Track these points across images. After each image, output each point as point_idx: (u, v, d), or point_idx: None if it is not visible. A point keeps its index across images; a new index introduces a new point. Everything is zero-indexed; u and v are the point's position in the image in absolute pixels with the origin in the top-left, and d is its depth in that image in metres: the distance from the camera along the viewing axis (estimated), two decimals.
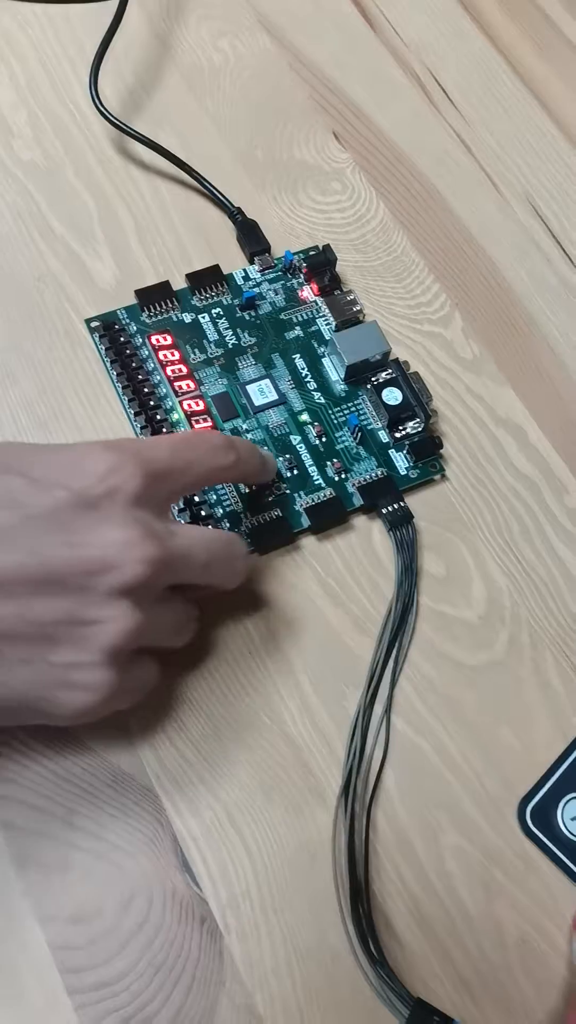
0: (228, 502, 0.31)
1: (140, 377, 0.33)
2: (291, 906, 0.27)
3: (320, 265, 0.35)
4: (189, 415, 0.32)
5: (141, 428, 0.32)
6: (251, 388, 0.33)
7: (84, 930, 0.26)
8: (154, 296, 0.34)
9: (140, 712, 0.29)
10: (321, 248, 0.36)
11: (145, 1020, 0.26)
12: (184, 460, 0.26)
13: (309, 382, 0.34)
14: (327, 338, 0.34)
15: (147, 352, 0.34)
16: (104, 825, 0.27)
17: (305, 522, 0.32)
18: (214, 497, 0.31)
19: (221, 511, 0.31)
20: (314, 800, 0.28)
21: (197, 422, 0.32)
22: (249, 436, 0.33)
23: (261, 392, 0.33)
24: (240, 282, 0.35)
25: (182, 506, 0.31)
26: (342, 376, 0.34)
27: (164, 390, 0.33)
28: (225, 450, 0.27)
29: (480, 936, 0.27)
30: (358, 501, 0.32)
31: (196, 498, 0.31)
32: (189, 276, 0.35)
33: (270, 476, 0.31)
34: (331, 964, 0.26)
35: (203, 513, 0.31)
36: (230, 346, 0.34)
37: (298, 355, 0.34)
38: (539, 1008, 0.27)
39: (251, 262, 0.36)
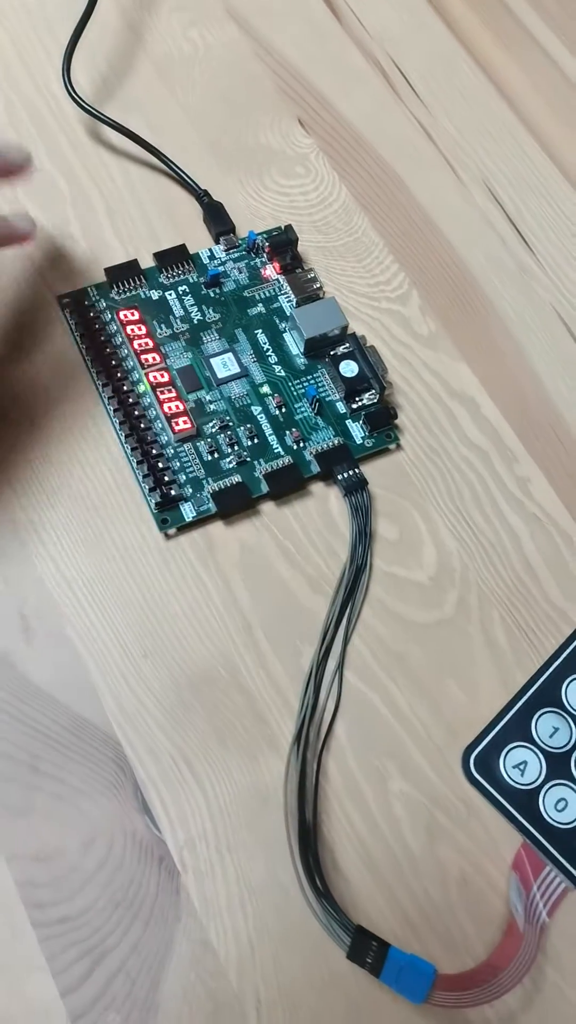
0: (191, 469, 0.33)
1: (108, 351, 0.34)
2: (244, 846, 0.29)
3: (282, 244, 0.37)
4: (155, 386, 0.34)
5: (108, 399, 0.34)
6: (215, 361, 0.35)
7: (48, 868, 0.28)
8: (123, 274, 0.36)
9: (102, 663, 0.30)
10: (283, 228, 0.37)
11: (105, 952, 0.27)
12: None
13: (270, 356, 0.35)
14: (288, 314, 0.36)
15: (116, 327, 0.35)
16: (67, 770, 0.29)
17: (264, 488, 0.33)
18: (177, 464, 0.33)
19: (184, 477, 0.33)
20: (268, 748, 0.30)
21: (162, 393, 0.34)
22: (212, 407, 0.34)
23: (224, 365, 0.35)
24: (206, 261, 0.37)
25: (146, 471, 0.32)
26: (302, 350, 0.35)
27: (131, 363, 0.34)
28: None
29: (424, 876, 0.29)
30: (315, 468, 0.34)
31: (160, 464, 0.33)
32: (157, 255, 0.36)
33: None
34: (281, 900, 0.28)
35: (166, 479, 0.32)
36: (195, 322, 0.36)
37: (260, 330, 0.36)
38: (478, 942, 0.28)
39: (216, 242, 0.37)
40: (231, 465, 0.33)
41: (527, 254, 0.39)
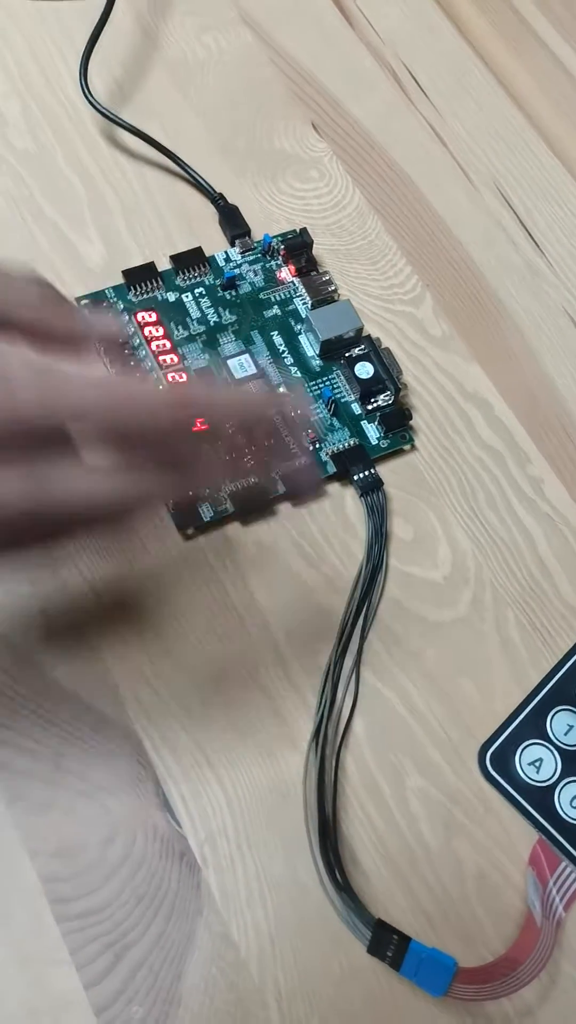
0: None
1: (126, 352, 0.35)
2: (264, 842, 0.29)
3: (297, 247, 0.37)
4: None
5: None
6: (231, 363, 0.35)
7: (70, 863, 0.28)
8: (140, 276, 0.36)
9: (124, 661, 0.31)
10: (298, 231, 0.38)
11: (128, 946, 0.27)
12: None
13: (286, 357, 0.36)
14: (303, 316, 0.36)
15: (133, 329, 0.35)
16: (89, 766, 0.29)
17: (281, 488, 0.33)
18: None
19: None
20: (286, 745, 0.30)
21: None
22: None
23: (241, 366, 0.35)
24: (221, 263, 0.37)
25: None
26: (317, 352, 0.36)
27: (149, 364, 0.35)
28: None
29: (441, 871, 0.29)
30: (331, 469, 0.34)
31: None
32: (173, 258, 0.37)
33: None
34: (300, 894, 0.28)
35: None
36: (212, 323, 0.36)
37: (276, 332, 0.36)
38: (495, 936, 0.29)
39: (232, 245, 0.38)
40: (248, 465, 0.34)
41: (538, 256, 0.40)
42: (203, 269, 0.37)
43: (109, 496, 0.23)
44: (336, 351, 0.36)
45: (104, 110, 0.39)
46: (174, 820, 0.29)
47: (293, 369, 0.35)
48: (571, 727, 0.31)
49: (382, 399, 0.35)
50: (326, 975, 0.28)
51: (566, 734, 0.31)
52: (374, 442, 0.35)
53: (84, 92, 0.39)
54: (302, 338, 0.36)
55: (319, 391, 0.35)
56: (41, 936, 0.27)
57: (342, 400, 0.35)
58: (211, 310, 0.36)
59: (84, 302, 0.36)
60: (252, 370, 0.35)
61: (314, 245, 0.38)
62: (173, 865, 0.29)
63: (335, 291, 0.37)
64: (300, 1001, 0.27)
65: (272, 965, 0.28)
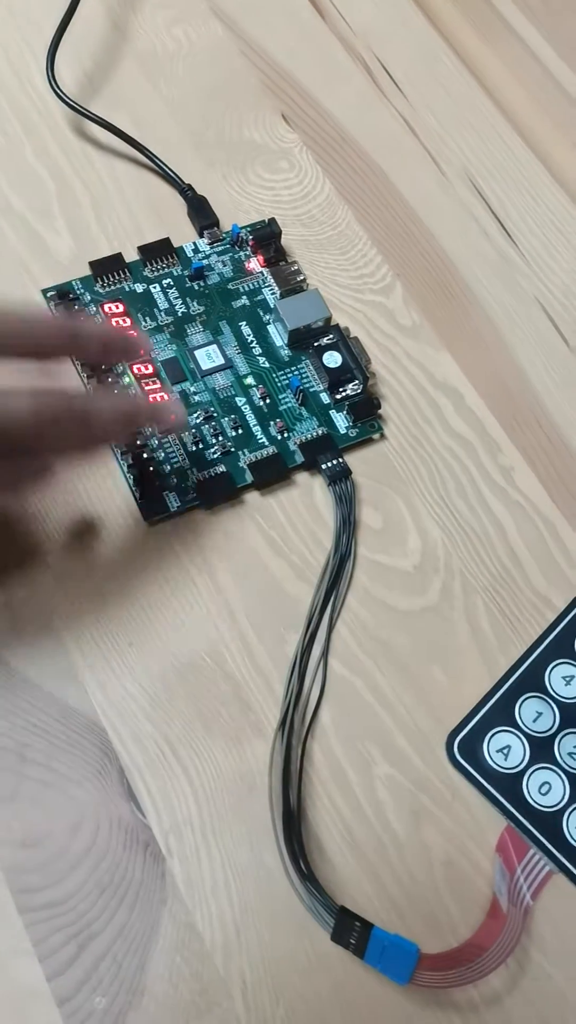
0: (176, 459, 0.33)
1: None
2: (229, 831, 0.29)
3: (266, 238, 0.37)
4: (139, 378, 0.34)
5: (93, 390, 0.34)
6: (199, 353, 0.35)
7: (34, 854, 0.28)
8: (107, 267, 0.36)
9: (88, 651, 0.30)
10: (267, 221, 0.37)
11: (91, 936, 0.27)
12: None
13: (254, 347, 0.36)
14: (272, 306, 0.36)
15: (100, 320, 0.35)
16: (54, 757, 0.29)
17: (248, 478, 0.33)
18: (162, 455, 0.33)
19: (169, 467, 0.33)
20: (253, 734, 0.30)
21: (147, 384, 0.34)
22: (196, 398, 0.34)
23: (208, 357, 0.35)
24: (190, 254, 0.37)
25: (131, 462, 0.33)
26: (285, 341, 0.36)
27: None
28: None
29: (408, 858, 0.29)
30: (299, 458, 0.34)
31: (144, 455, 0.33)
32: (141, 248, 0.37)
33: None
34: (265, 883, 0.28)
35: (151, 469, 0.33)
36: (179, 314, 0.36)
37: (244, 322, 0.36)
38: (463, 924, 0.28)
39: (201, 235, 0.38)
40: (216, 455, 0.34)
41: (509, 245, 0.40)
42: (171, 260, 0.37)
43: None
44: (304, 341, 0.35)
45: (72, 102, 0.38)
46: (139, 810, 0.29)
47: (261, 359, 0.35)
48: (540, 714, 0.31)
49: (351, 388, 0.35)
50: (292, 964, 0.27)
51: (535, 721, 0.31)
52: (343, 431, 0.35)
53: (52, 84, 0.38)
54: (271, 328, 0.36)
55: (287, 380, 0.35)
56: (4, 927, 0.27)
57: (311, 390, 0.35)
58: (179, 301, 0.36)
59: (51, 294, 0.35)
60: (220, 360, 0.35)
61: (284, 236, 0.38)
62: (137, 855, 0.28)
63: (304, 281, 0.37)
64: (265, 990, 0.27)
65: (237, 955, 0.27)
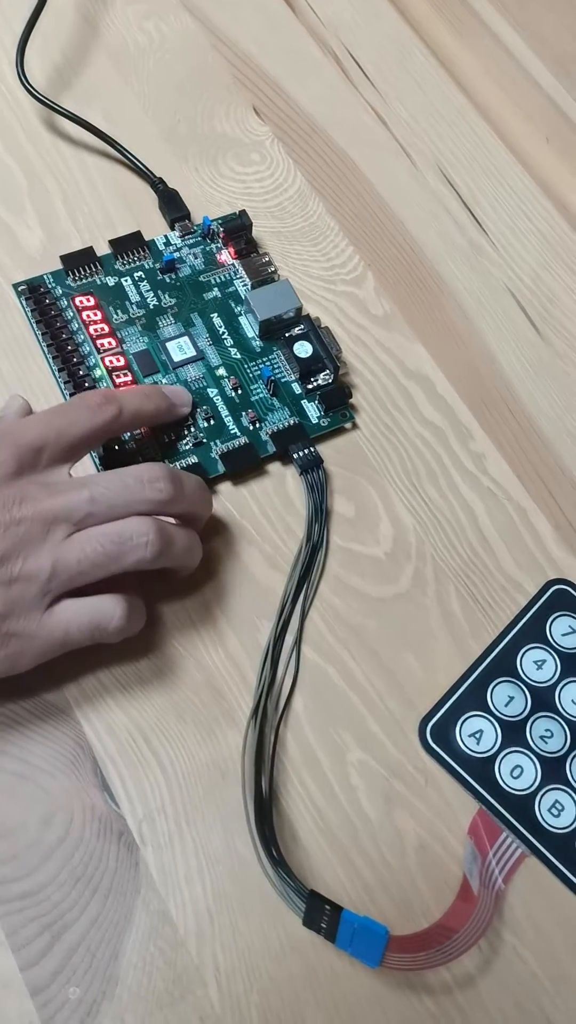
0: (148, 451, 0.33)
1: (64, 336, 0.35)
2: (203, 819, 0.29)
3: (237, 230, 0.37)
4: (111, 371, 0.34)
5: (65, 383, 0.34)
6: (171, 345, 0.35)
7: (7, 845, 0.28)
8: (78, 261, 0.36)
9: None
10: (237, 213, 0.38)
11: (65, 926, 0.27)
12: (55, 428, 0.29)
13: (226, 339, 0.36)
14: (243, 297, 0.36)
15: (72, 314, 0.35)
16: (27, 749, 0.29)
17: (221, 468, 0.33)
18: (133, 446, 0.33)
19: (141, 459, 0.33)
20: (225, 722, 0.30)
21: (118, 376, 0.34)
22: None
23: (180, 349, 0.35)
24: (161, 247, 0.37)
25: (102, 453, 0.33)
26: (257, 332, 0.36)
27: (88, 348, 0.35)
28: (101, 407, 0.29)
29: (381, 843, 0.29)
30: (271, 448, 0.34)
31: (116, 447, 0.33)
32: (112, 242, 0.37)
33: (179, 411, 0.33)
34: (239, 870, 0.28)
35: (124, 461, 0.33)
36: (151, 307, 0.36)
37: (216, 314, 0.36)
38: (435, 907, 0.28)
39: (172, 228, 0.38)
40: (187, 447, 0.34)
41: (480, 234, 0.40)
42: (143, 253, 0.37)
43: None
44: (276, 331, 0.36)
45: (42, 97, 0.38)
46: (112, 800, 0.29)
47: (233, 350, 0.35)
48: (511, 698, 0.31)
49: (322, 378, 0.35)
50: (265, 950, 0.28)
51: (506, 705, 0.31)
52: (314, 421, 0.35)
53: (21, 79, 0.38)
54: (242, 319, 0.36)
55: (259, 371, 0.35)
56: None
57: (282, 380, 0.35)
58: (150, 293, 0.36)
59: (21, 288, 0.35)
60: (192, 352, 0.35)
61: (256, 228, 0.38)
62: (111, 845, 0.28)
63: (275, 272, 0.37)
64: (239, 977, 0.27)
65: (211, 942, 0.27)
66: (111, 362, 0.34)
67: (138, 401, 0.31)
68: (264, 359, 0.35)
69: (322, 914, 0.26)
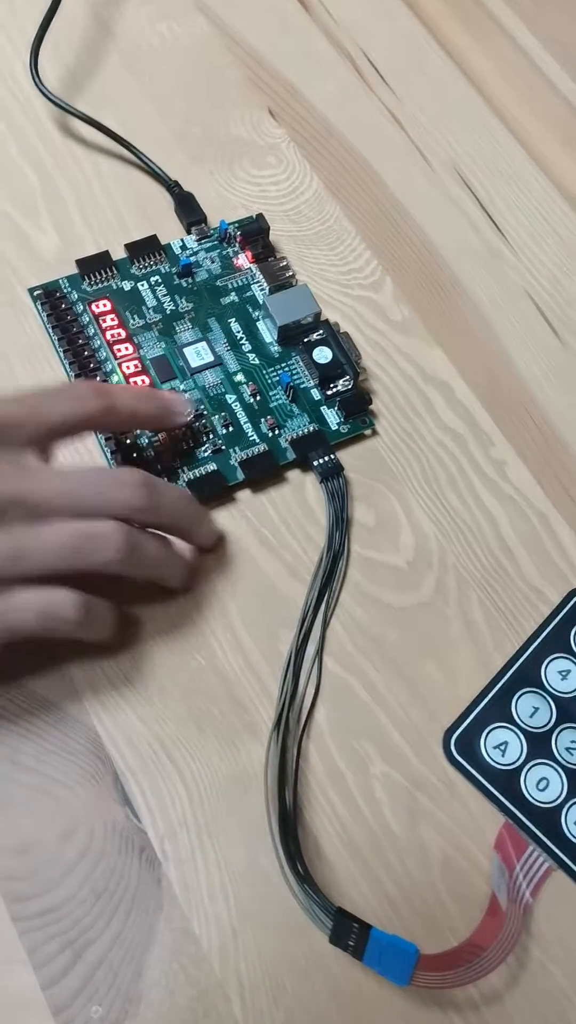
0: (167, 459, 0.33)
1: (80, 342, 0.34)
2: (225, 833, 0.28)
3: (254, 233, 0.37)
4: (128, 377, 0.34)
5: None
6: (188, 351, 0.35)
7: (28, 861, 0.28)
8: (94, 265, 0.36)
9: (80, 654, 0.30)
10: (254, 217, 0.37)
11: (87, 944, 0.27)
12: (33, 408, 0.28)
13: (244, 344, 0.35)
14: (260, 302, 0.36)
15: (88, 318, 0.35)
16: (47, 762, 0.29)
17: (240, 475, 0.33)
18: (151, 453, 0.33)
19: (159, 466, 0.33)
20: (247, 734, 0.30)
21: (135, 383, 0.34)
22: (186, 396, 0.34)
23: (198, 354, 0.35)
24: (177, 251, 0.37)
25: (120, 461, 0.32)
26: (275, 338, 0.35)
27: (104, 354, 0.34)
28: (89, 397, 0.29)
29: (406, 857, 0.29)
30: (291, 455, 0.33)
31: (134, 454, 0.33)
32: (128, 246, 0.36)
33: (176, 420, 0.32)
34: (263, 886, 0.28)
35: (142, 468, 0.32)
36: (168, 311, 0.35)
37: (233, 319, 0.36)
38: (462, 923, 0.28)
39: (188, 232, 0.37)
40: (206, 454, 0.33)
41: (498, 237, 0.39)
42: (159, 257, 0.36)
43: None
44: (294, 336, 0.35)
45: (56, 99, 0.38)
46: (133, 814, 0.28)
47: (251, 356, 0.35)
48: (536, 709, 0.31)
49: (341, 384, 0.35)
50: (290, 967, 0.27)
51: (531, 716, 0.31)
52: (334, 427, 0.34)
53: (35, 81, 0.38)
54: (260, 324, 0.36)
55: (277, 377, 0.35)
56: None
57: (301, 386, 0.35)
58: (167, 298, 0.36)
59: (37, 292, 0.35)
60: (209, 358, 0.35)
61: (272, 231, 0.37)
62: (133, 860, 0.28)
63: (293, 276, 0.36)
64: (263, 994, 0.27)
65: (235, 958, 0.27)
66: (128, 368, 0.34)
67: (134, 401, 0.30)
68: (283, 365, 0.35)
69: (350, 931, 0.26)
